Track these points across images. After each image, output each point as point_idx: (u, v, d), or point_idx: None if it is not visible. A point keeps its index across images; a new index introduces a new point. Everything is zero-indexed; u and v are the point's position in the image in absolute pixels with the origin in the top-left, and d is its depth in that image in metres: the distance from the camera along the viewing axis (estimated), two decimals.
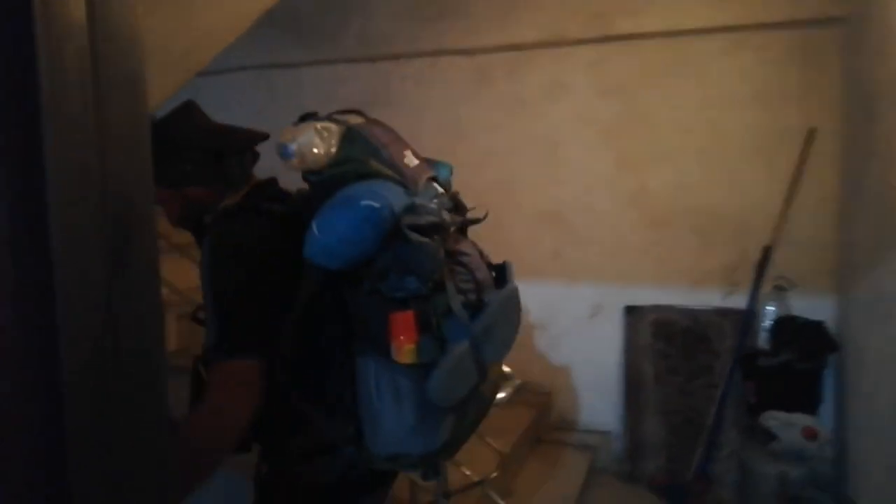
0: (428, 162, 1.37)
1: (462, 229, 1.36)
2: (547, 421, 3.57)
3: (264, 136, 1.41)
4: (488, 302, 1.23)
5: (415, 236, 1.11)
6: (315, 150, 1.17)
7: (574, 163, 3.51)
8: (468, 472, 2.34)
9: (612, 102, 3.43)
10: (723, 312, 3.24)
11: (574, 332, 3.55)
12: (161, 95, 2.50)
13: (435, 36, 3.69)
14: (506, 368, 2.29)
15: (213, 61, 4.11)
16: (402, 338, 1.09)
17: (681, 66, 3.32)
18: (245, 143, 1.41)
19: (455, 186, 4.01)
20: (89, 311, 0.71)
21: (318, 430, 1.24)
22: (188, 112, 1.40)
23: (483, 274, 1.29)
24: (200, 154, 1.35)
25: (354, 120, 1.27)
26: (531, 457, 3.31)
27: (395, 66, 3.81)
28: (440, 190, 1.32)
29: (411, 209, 1.15)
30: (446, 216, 1.23)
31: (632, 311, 3.40)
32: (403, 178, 1.21)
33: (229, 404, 1.18)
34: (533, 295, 3.60)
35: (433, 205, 1.23)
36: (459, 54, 3.68)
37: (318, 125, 1.20)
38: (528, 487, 3.01)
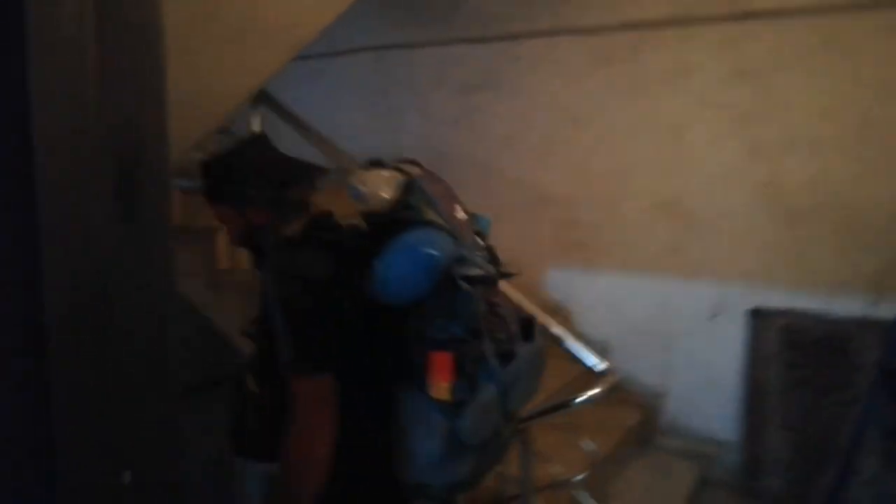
0: (472, 216, 1.48)
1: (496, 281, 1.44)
2: (656, 424, 3.33)
3: (324, 171, 1.57)
4: (518, 354, 1.33)
5: (465, 286, 1.23)
6: (382, 195, 1.32)
7: (698, 150, 3.22)
8: (559, 469, 2.20)
9: (744, 86, 3.10)
10: (866, 323, 2.85)
11: (691, 333, 3.27)
12: (266, 71, 2.55)
13: (552, 14, 3.52)
14: (602, 364, 2.14)
15: (331, 42, 4.21)
16: (439, 376, 1.21)
17: (828, 46, 2.93)
18: (306, 175, 1.53)
19: (568, 174, 3.81)
20: (81, 255, 0.67)
21: (352, 452, 1.33)
22: (258, 143, 1.57)
23: (515, 326, 1.38)
24: (265, 181, 1.46)
25: (414, 170, 1.41)
26: (635, 460, 3.10)
27: (510, 46, 3.68)
28: (482, 243, 1.43)
29: (461, 260, 1.27)
30: (490, 269, 1.34)
31: (758, 315, 3.08)
32: (453, 230, 1.33)
33: (318, 419, 1.28)
34: (647, 291, 3.39)
35: (477, 257, 1.34)
36: (577, 33, 3.48)
37: (386, 173, 1.36)
38: (626, 492, 2.82)
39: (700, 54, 3.20)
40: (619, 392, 3.38)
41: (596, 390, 1.98)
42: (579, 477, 2.15)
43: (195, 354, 1.39)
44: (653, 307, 3.35)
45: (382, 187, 1.33)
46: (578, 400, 1.95)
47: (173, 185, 3.10)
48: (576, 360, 2.26)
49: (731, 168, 3.15)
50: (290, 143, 3.45)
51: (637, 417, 3.23)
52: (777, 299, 3.05)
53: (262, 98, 2.82)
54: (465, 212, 1.44)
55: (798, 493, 2.88)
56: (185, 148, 2.78)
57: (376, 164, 1.40)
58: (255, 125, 2.92)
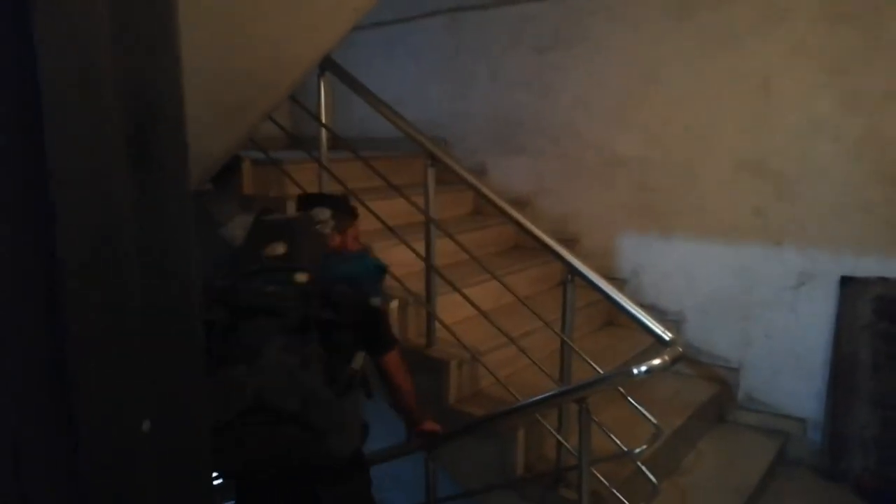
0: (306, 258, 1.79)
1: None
2: (732, 398, 3.18)
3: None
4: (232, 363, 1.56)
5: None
6: (237, 235, 1.76)
7: (787, 104, 2.98)
8: (616, 441, 2.15)
9: (844, 30, 2.81)
10: None
11: (774, 304, 3.08)
12: (334, 35, 2.56)
13: None
14: (667, 335, 2.04)
15: (404, 7, 4.18)
16: None
17: None
18: None
19: (644, 134, 3.68)
20: (94, 216, 0.68)
21: None
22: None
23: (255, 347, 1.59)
24: None
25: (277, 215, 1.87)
26: (708, 436, 2.98)
27: (585, 1, 3.52)
28: (296, 278, 1.69)
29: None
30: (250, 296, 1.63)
31: (849, 283, 2.85)
32: (249, 262, 1.70)
33: None
34: (726, 258, 3.21)
35: (254, 283, 1.66)
36: None
37: (247, 217, 1.81)
38: (696, 468, 2.72)
39: None
40: (695, 364, 3.26)
41: (657, 361, 1.89)
42: (637, 450, 2.09)
43: None
44: (732, 276, 3.17)
45: (238, 230, 1.76)
46: (637, 370, 1.87)
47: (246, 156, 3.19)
48: (643, 330, 2.17)
49: (822, 123, 2.89)
50: (359, 113, 3.49)
51: (713, 391, 3.10)
52: (871, 266, 2.81)
53: (330, 66, 2.83)
54: (292, 254, 1.75)
55: (886, 476, 2.68)
56: (259, 117, 2.86)
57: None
58: (324, 94, 2.95)
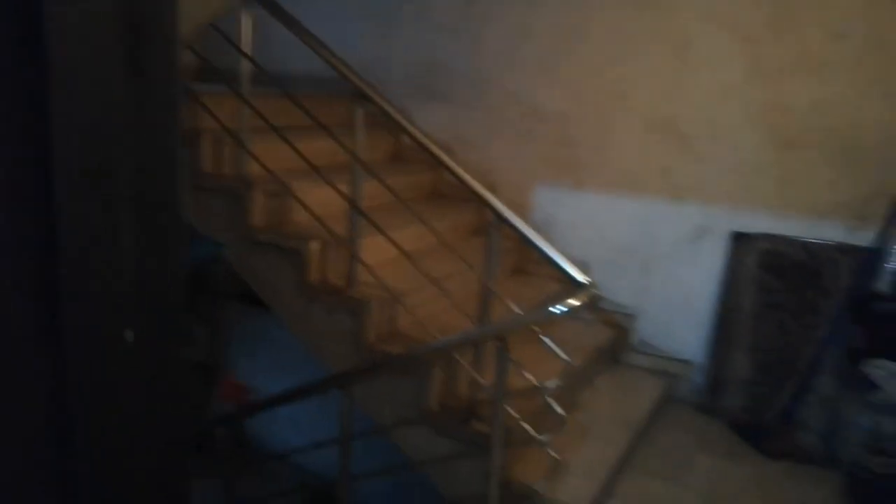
0: None
1: None
2: (628, 343, 3.45)
3: None
4: None
5: None
6: None
7: (700, 70, 3.16)
8: (529, 377, 2.29)
9: (755, 1, 3.02)
10: (844, 249, 2.92)
11: (672, 255, 3.33)
12: None
13: None
14: (585, 279, 2.19)
15: None
16: None
17: None
18: None
19: (564, 90, 3.74)
20: (89, 107, 0.67)
21: None
22: None
23: None
24: None
25: None
26: (604, 376, 3.22)
27: None
28: None
29: None
30: None
31: (740, 238, 3.13)
32: None
33: None
34: (631, 212, 3.43)
35: None
36: None
37: None
38: (594, 404, 2.94)
39: None
40: (596, 311, 3.48)
41: (575, 301, 2.03)
42: (550, 384, 2.24)
43: None
44: (635, 228, 3.39)
45: None
46: (558, 310, 2.00)
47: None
48: (559, 274, 2.30)
49: (731, 89, 3.10)
50: (278, 52, 3.36)
51: (610, 335, 3.33)
52: (760, 224, 3.09)
53: None
54: None
55: (756, 411, 3.03)
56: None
57: None
58: (245, 25, 2.81)
